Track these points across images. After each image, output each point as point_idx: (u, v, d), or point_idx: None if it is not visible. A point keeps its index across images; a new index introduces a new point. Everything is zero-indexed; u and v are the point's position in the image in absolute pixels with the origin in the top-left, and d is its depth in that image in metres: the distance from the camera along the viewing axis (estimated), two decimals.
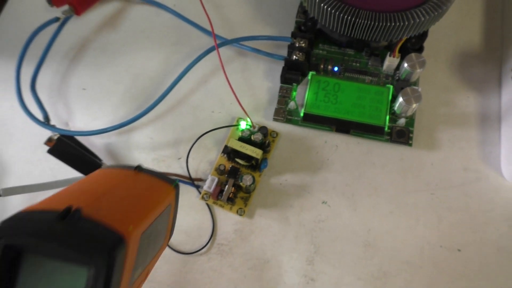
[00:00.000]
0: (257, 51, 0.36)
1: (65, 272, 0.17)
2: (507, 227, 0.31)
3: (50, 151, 0.30)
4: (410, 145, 0.33)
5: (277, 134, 0.34)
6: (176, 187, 0.24)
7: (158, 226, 0.21)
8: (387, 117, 0.33)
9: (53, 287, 0.17)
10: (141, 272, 0.20)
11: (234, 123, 0.35)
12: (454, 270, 0.30)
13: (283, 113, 0.34)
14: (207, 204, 0.33)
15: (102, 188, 0.20)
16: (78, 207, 0.17)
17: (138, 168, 0.23)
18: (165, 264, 0.31)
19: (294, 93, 0.34)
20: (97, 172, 0.23)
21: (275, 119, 0.34)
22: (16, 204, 0.34)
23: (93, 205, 0.18)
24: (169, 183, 0.24)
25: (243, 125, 0.34)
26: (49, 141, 0.30)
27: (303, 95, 0.34)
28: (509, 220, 0.31)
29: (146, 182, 0.23)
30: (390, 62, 0.34)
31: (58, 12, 0.37)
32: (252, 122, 0.33)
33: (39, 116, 0.34)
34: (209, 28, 0.35)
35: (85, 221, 0.17)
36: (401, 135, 0.33)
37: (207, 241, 0.32)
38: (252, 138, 0.32)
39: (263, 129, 0.33)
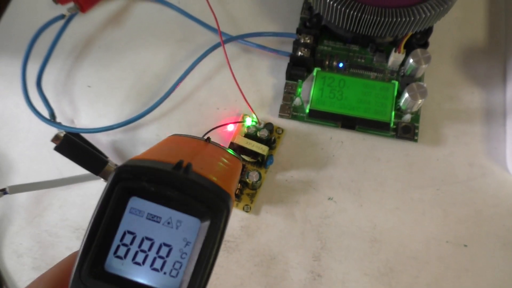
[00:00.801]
0: (262, 47, 0.36)
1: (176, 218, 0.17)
2: None
3: (57, 149, 0.30)
4: (416, 140, 0.33)
5: (282, 130, 0.34)
6: (240, 160, 0.25)
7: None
8: (393, 113, 0.33)
9: (158, 235, 0.18)
10: None
11: (239, 120, 0.35)
12: (460, 265, 0.30)
13: (289, 110, 0.34)
14: None
15: (189, 149, 0.21)
16: (189, 162, 0.18)
17: (208, 140, 0.24)
18: None
19: (299, 90, 0.34)
20: (170, 137, 0.24)
21: (280, 116, 0.35)
22: (22, 202, 0.34)
23: (194, 162, 0.18)
24: (236, 157, 0.25)
25: (248, 121, 0.34)
26: (55, 138, 0.30)
27: (308, 91, 0.34)
28: None
29: (219, 152, 0.24)
30: (395, 58, 0.34)
31: (63, 9, 0.37)
32: (257, 118, 0.34)
33: (45, 113, 0.34)
34: (213, 25, 0.36)
35: (196, 175, 0.17)
36: (407, 131, 0.33)
37: None
38: (258, 134, 0.32)
39: (268, 126, 0.33)
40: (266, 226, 0.32)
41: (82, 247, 0.17)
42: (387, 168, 0.33)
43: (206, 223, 0.17)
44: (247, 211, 0.32)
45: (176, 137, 0.24)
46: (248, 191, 0.32)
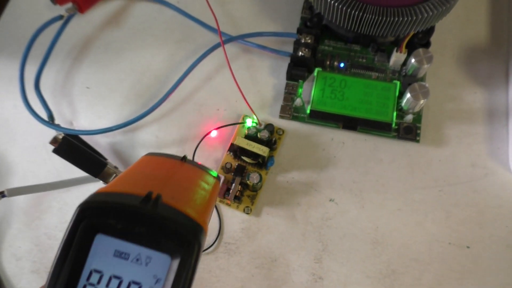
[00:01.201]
0: (263, 47, 0.36)
1: (145, 255, 0.17)
2: None
3: (55, 151, 0.30)
4: (418, 141, 0.33)
5: (283, 131, 0.34)
6: (218, 179, 0.25)
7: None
8: (394, 113, 0.33)
9: (126, 272, 0.17)
10: None
11: (240, 121, 0.34)
12: (463, 267, 0.30)
13: (289, 110, 0.34)
14: None
15: (161, 175, 0.20)
16: (158, 193, 0.17)
17: (184, 159, 0.23)
18: None
19: (300, 90, 0.34)
20: (144, 158, 0.23)
21: (281, 116, 0.34)
22: (21, 205, 0.33)
23: (165, 192, 0.18)
24: (211, 175, 0.24)
25: (249, 122, 0.34)
26: (54, 141, 0.30)
27: (309, 91, 0.34)
28: None
29: (194, 173, 0.23)
30: (397, 57, 0.33)
31: (61, 10, 0.37)
32: (258, 119, 0.33)
33: (44, 115, 0.33)
34: (213, 25, 0.35)
35: (166, 207, 0.17)
36: (409, 132, 0.33)
37: (214, 240, 0.31)
38: (258, 135, 0.32)
39: (269, 127, 0.33)
40: (267, 228, 0.32)
41: (46, 285, 0.16)
42: (389, 169, 0.33)
43: (177, 261, 0.16)
44: (247, 213, 0.32)
45: (149, 157, 0.23)
46: (248, 193, 0.32)
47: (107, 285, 0.17)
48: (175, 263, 0.16)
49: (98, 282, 0.17)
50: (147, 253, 0.17)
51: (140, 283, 0.17)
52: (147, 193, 0.17)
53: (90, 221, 0.16)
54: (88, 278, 0.17)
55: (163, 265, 0.17)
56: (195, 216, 0.17)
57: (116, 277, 0.17)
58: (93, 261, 0.17)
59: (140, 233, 0.16)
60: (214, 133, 0.34)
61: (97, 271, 0.17)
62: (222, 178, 0.32)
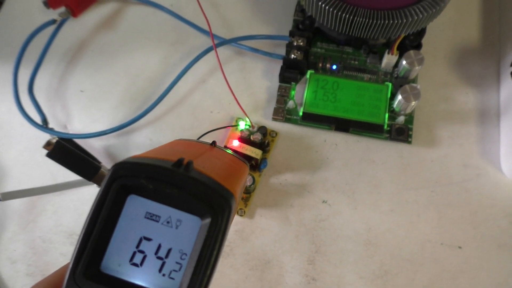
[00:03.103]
0: (255, 50, 0.36)
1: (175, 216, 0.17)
2: (507, 224, 0.31)
3: (49, 155, 0.30)
4: (410, 142, 0.33)
5: (276, 133, 0.34)
6: (247, 165, 0.25)
7: (238, 200, 0.21)
8: (386, 115, 0.33)
9: (156, 234, 0.17)
10: None
11: (233, 123, 0.35)
12: (455, 267, 0.30)
13: (282, 113, 0.34)
14: None
15: (192, 151, 0.20)
16: (190, 159, 0.17)
17: (214, 144, 0.23)
18: None
19: (293, 92, 0.34)
20: (174, 141, 0.23)
21: (274, 119, 0.34)
22: (16, 208, 0.34)
23: (196, 162, 0.17)
24: (243, 161, 0.24)
25: (242, 125, 0.34)
26: (47, 144, 0.30)
27: (302, 94, 0.34)
28: (510, 216, 0.31)
29: (224, 155, 0.23)
30: (388, 59, 0.34)
31: (54, 14, 0.37)
32: (251, 122, 0.33)
33: (37, 119, 0.33)
34: (206, 28, 0.35)
35: (197, 173, 0.17)
36: (401, 133, 0.33)
37: None
38: (251, 138, 0.32)
39: (262, 129, 0.33)
40: (261, 230, 0.32)
41: (77, 247, 0.16)
42: (381, 170, 0.33)
43: (207, 222, 0.16)
44: (241, 215, 0.32)
45: (180, 140, 0.23)
46: (242, 195, 0.32)
47: (137, 246, 0.17)
48: (205, 226, 0.16)
49: (129, 243, 0.17)
50: (178, 215, 0.17)
51: (170, 245, 0.17)
52: (178, 158, 0.17)
53: (122, 182, 0.16)
54: (119, 239, 0.17)
55: (194, 228, 0.17)
56: (225, 184, 0.17)
57: (147, 238, 0.17)
58: (124, 222, 0.17)
59: (171, 194, 0.16)
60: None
61: (128, 232, 0.17)
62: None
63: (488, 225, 0.31)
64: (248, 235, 0.32)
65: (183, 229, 0.17)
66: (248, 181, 0.31)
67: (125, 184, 0.17)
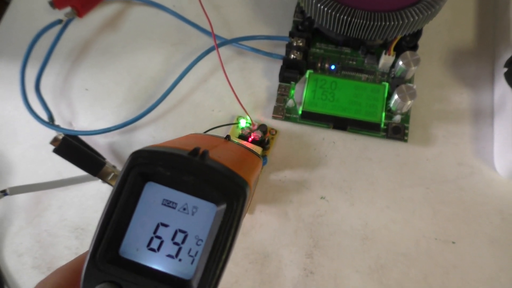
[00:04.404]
0: (256, 50, 0.37)
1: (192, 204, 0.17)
2: (499, 220, 0.32)
3: (56, 151, 0.31)
4: (406, 141, 0.34)
5: (276, 131, 0.35)
6: (261, 159, 0.25)
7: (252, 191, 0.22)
8: (383, 114, 0.34)
9: (173, 221, 0.17)
10: None
11: (234, 121, 0.35)
12: (448, 262, 0.31)
13: (282, 111, 0.35)
14: None
15: (207, 143, 0.21)
16: (205, 149, 0.17)
17: (228, 138, 0.24)
18: None
19: (292, 91, 0.35)
20: (191, 134, 0.24)
21: (274, 117, 0.35)
22: (22, 203, 0.35)
23: (211, 152, 0.18)
24: (256, 155, 0.25)
25: (243, 123, 0.35)
26: (54, 141, 0.31)
27: (301, 93, 0.35)
28: (502, 213, 0.32)
29: (239, 148, 0.24)
30: (385, 60, 0.35)
31: (60, 14, 0.38)
32: (251, 120, 0.34)
33: (44, 116, 0.34)
34: (208, 28, 0.36)
35: (213, 161, 0.17)
36: (397, 131, 0.34)
37: None
38: (252, 135, 0.33)
39: (262, 127, 0.34)
40: (260, 225, 0.33)
41: (96, 232, 0.17)
42: (378, 168, 0.34)
43: (222, 208, 0.17)
44: None
45: (195, 134, 0.24)
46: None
47: (155, 232, 0.17)
48: (221, 212, 0.17)
49: (147, 228, 0.17)
50: (194, 202, 0.17)
51: (186, 231, 0.17)
52: (194, 147, 0.17)
53: (140, 169, 0.17)
54: (137, 224, 0.17)
55: (209, 214, 0.17)
56: (240, 173, 0.18)
57: (164, 224, 0.17)
58: (142, 208, 0.17)
59: (187, 182, 0.17)
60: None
61: (145, 218, 0.17)
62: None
63: (481, 221, 0.32)
64: (248, 230, 0.33)
65: (199, 216, 0.17)
66: None
67: (143, 172, 0.17)
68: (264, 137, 0.34)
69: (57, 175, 0.35)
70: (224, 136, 0.24)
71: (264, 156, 0.34)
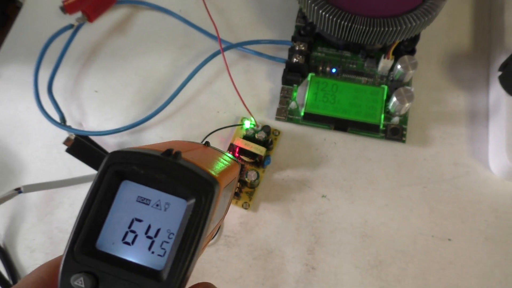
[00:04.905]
0: (260, 54, 0.38)
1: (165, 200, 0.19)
2: (494, 218, 0.33)
3: (68, 150, 0.32)
4: (404, 141, 0.35)
5: (279, 132, 0.36)
6: (239, 164, 0.27)
7: (226, 193, 0.23)
8: (382, 116, 0.35)
9: (147, 216, 0.19)
10: (209, 232, 0.20)
11: (238, 123, 0.37)
12: (445, 258, 0.32)
13: (285, 113, 0.37)
14: None
15: (184, 147, 0.22)
16: (178, 150, 0.19)
17: (207, 144, 0.26)
18: None
19: (294, 94, 0.36)
20: (172, 141, 0.25)
21: (277, 118, 0.37)
22: (34, 200, 0.36)
23: (185, 154, 0.19)
24: (234, 160, 0.26)
25: (247, 124, 0.36)
26: (67, 140, 0.32)
27: (303, 95, 0.36)
28: (496, 211, 0.33)
29: (216, 153, 0.25)
30: (384, 63, 0.36)
31: (71, 19, 0.39)
32: (255, 121, 0.36)
33: (56, 117, 0.36)
34: (213, 32, 0.38)
35: (185, 161, 0.19)
36: (395, 133, 0.35)
37: (214, 234, 0.34)
38: (256, 136, 0.35)
39: (266, 128, 0.35)
40: (264, 222, 0.34)
41: (74, 226, 0.18)
42: (377, 167, 0.35)
43: (191, 203, 0.18)
44: (246, 208, 0.34)
45: (176, 140, 0.25)
46: (247, 190, 0.34)
47: (129, 226, 0.18)
48: (190, 206, 0.18)
49: (122, 223, 0.18)
50: (166, 198, 0.19)
51: (159, 226, 0.18)
52: (167, 148, 0.19)
53: (116, 167, 0.18)
54: (113, 220, 0.18)
55: (180, 210, 0.18)
56: (211, 172, 0.19)
57: (138, 220, 0.19)
58: (118, 205, 0.18)
59: (160, 179, 0.18)
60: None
61: (121, 214, 0.18)
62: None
63: (476, 219, 0.33)
64: (252, 227, 0.34)
65: (171, 211, 0.19)
66: (252, 176, 0.33)
67: (119, 170, 0.18)
68: (268, 138, 0.35)
69: (68, 173, 0.36)
70: (204, 142, 0.26)
71: (267, 156, 0.35)
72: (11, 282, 0.33)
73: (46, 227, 0.35)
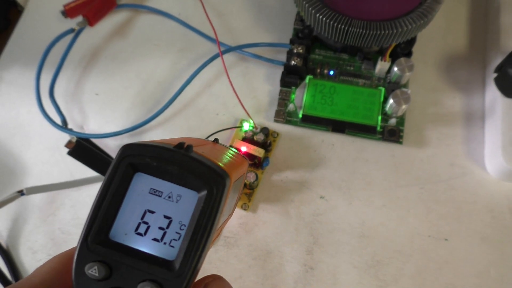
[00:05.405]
0: (258, 57, 0.39)
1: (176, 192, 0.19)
2: (490, 218, 0.33)
3: (70, 153, 0.33)
4: (401, 143, 0.36)
5: (277, 134, 0.37)
6: (247, 161, 0.27)
7: (235, 188, 0.23)
8: (379, 117, 0.36)
9: (159, 208, 0.19)
10: (219, 225, 0.21)
11: (237, 125, 0.37)
12: (441, 258, 0.33)
13: (283, 115, 0.37)
14: None
15: (195, 142, 0.22)
16: (190, 143, 0.19)
17: (216, 141, 0.26)
18: None
19: (293, 96, 0.37)
20: (182, 137, 0.25)
21: (275, 120, 0.37)
22: (37, 202, 0.36)
23: (196, 148, 0.20)
24: (243, 156, 0.27)
25: (246, 126, 0.36)
26: (68, 143, 0.33)
27: (301, 97, 0.37)
28: (492, 211, 0.34)
29: (225, 149, 0.26)
30: (381, 66, 0.36)
31: (72, 23, 0.40)
32: (254, 123, 0.36)
33: (57, 120, 0.36)
34: (212, 36, 0.38)
35: (196, 155, 0.19)
36: (392, 134, 0.36)
37: (221, 230, 0.34)
38: (254, 138, 0.35)
39: (264, 130, 0.36)
40: (263, 223, 0.34)
41: (88, 217, 0.18)
42: (374, 168, 0.36)
43: (203, 195, 0.18)
44: (245, 209, 0.34)
45: (186, 137, 0.26)
46: (246, 191, 0.35)
47: (142, 218, 0.19)
48: (201, 198, 0.18)
49: (135, 215, 0.19)
50: (178, 190, 0.19)
51: (170, 217, 0.19)
52: (179, 142, 0.19)
53: (130, 160, 0.19)
54: (126, 211, 0.19)
55: (191, 202, 0.19)
56: (222, 166, 0.20)
57: (150, 211, 0.19)
58: (131, 197, 0.19)
59: (172, 172, 0.19)
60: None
61: (134, 205, 0.19)
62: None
63: (472, 219, 0.34)
64: (251, 227, 0.34)
65: (182, 203, 0.19)
66: (251, 177, 0.33)
67: (132, 163, 0.19)
68: (266, 140, 0.36)
69: (70, 176, 0.37)
70: (213, 139, 0.26)
71: (266, 158, 0.35)
72: (14, 283, 0.34)
73: (48, 228, 0.36)
